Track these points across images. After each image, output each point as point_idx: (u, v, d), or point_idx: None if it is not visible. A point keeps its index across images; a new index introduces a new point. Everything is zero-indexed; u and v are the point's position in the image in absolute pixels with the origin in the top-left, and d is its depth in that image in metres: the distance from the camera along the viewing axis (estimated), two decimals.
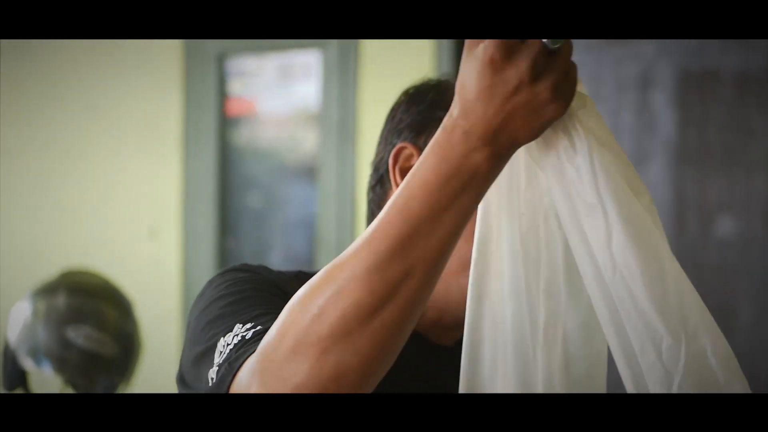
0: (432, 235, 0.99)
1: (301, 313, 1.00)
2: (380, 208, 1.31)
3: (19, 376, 2.98)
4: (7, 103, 4.30)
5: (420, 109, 1.33)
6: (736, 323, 3.24)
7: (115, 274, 3.29)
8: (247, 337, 1.09)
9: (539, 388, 1.06)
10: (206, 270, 3.96)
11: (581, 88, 1.02)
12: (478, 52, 0.98)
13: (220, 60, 4.06)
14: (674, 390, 0.96)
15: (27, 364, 2.93)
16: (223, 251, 4.08)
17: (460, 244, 1.03)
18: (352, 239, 1.45)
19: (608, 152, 1.00)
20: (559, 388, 1.06)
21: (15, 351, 2.93)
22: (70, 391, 2.94)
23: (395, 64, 3.54)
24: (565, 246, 1.05)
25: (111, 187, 4.20)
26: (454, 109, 1.00)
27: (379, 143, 1.37)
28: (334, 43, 3.75)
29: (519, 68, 0.97)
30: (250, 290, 1.21)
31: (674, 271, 0.97)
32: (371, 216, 1.36)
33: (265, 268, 1.30)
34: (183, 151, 4.07)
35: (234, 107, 4.14)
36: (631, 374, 0.99)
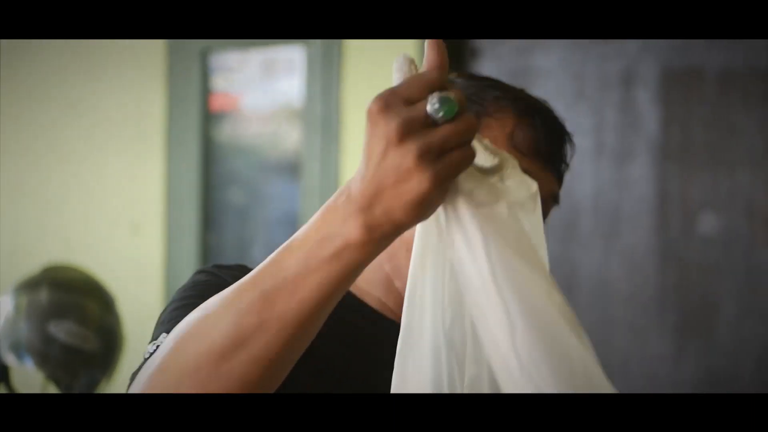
0: (294, 294, 0.93)
1: (170, 341, 0.99)
2: None
3: (1, 371, 2.98)
4: None
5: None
6: (718, 320, 3.25)
7: (98, 269, 3.29)
8: (150, 351, 1.12)
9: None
10: (188, 265, 3.96)
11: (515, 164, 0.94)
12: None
13: (204, 55, 4.05)
14: None
15: (9, 359, 2.92)
16: (206, 247, 4.08)
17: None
18: None
19: (507, 237, 0.91)
20: None
21: None
22: (52, 386, 2.93)
23: (379, 61, 3.54)
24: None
25: (94, 182, 4.19)
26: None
27: None
28: (317, 40, 3.75)
29: (389, 124, 0.87)
30: (194, 297, 1.20)
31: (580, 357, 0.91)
32: None
33: (242, 268, 1.29)
34: (166, 146, 4.06)
35: (217, 103, 4.13)
36: None
